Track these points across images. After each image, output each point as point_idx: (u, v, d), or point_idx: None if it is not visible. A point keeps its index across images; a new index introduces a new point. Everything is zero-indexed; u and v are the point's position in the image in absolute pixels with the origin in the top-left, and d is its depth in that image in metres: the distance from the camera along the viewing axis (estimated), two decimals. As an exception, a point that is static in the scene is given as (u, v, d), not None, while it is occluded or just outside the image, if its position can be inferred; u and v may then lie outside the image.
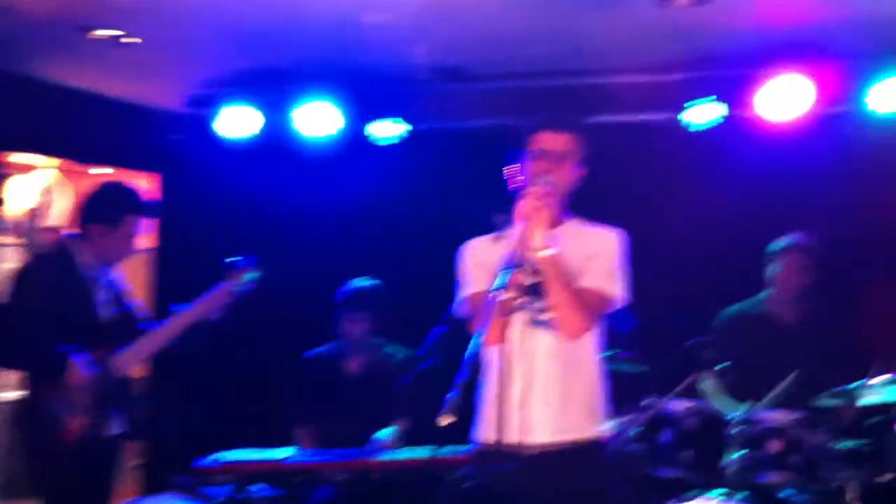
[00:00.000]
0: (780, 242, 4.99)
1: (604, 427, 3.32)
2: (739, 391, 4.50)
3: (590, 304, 3.21)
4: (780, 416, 4.16)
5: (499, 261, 3.17)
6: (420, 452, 4.48)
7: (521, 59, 5.94)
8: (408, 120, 6.18)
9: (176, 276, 6.18)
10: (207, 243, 5.68)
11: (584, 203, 3.42)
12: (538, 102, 6.22)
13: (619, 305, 3.31)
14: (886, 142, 5.47)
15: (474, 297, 3.34)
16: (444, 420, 2.69)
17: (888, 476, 4.05)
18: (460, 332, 3.99)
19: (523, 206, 3.09)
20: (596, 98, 5.94)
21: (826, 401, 4.39)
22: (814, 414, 4.21)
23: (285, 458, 4.51)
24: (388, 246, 6.15)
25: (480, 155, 6.22)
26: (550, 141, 3.32)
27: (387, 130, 6.16)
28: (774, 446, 4.09)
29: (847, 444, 4.16)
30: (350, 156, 6.21)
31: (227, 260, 4.36)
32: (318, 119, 6.06)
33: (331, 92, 6.07)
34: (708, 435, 4.15)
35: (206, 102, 6.19)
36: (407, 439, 4.80)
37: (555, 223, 3.24)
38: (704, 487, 4.12)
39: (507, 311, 2.94)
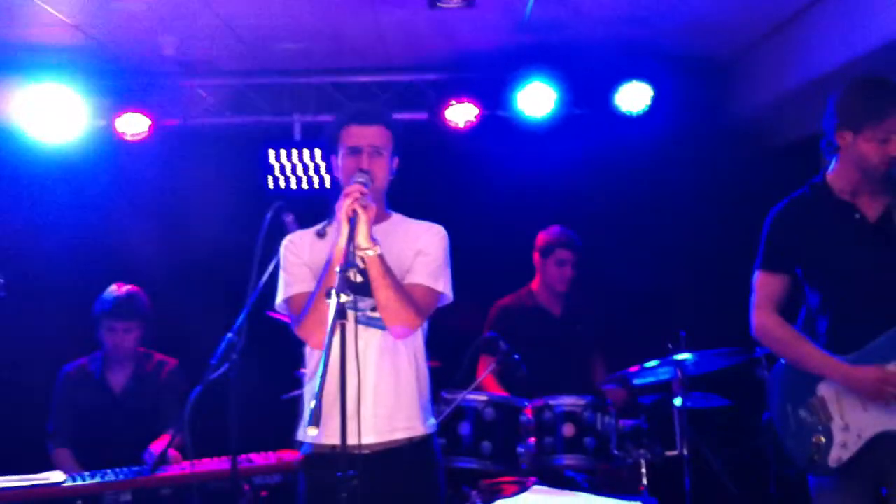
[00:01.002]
0: (553, 239, 5.17)
1: (432, 423, 3.28)
2: (525, 380, 4.63)
3: (418, 302, 3.14)
4: (571, 401, 4.29)
5: (321, 259, 3.10)
6: (214, 463, 4.21)
7: (273, 55, 5.79)
8: (154, 115, 5.81)
9: None
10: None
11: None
12: (294, 100, 6.13)
13: (446, 301, 3.27)
14: (632, 140, 5.87)
15: (299, 296, 3.19)
16: (312, 431, 2.54)
17: (673, 452, 4.32)
18: (249, 339, 3.87)
19: (344, 204, 2.96)
20: (358, 96, 5.92)
21: (605, 385, 4.62)
22: (598, 397, 4.40)
23: (60, 482, 4.05)
24: (143, 246, 5.74)
25: (234, 151, 6.06)
26: (362, 135, 3.21)
27: (133, 126, 5.75)
28: (568, 430, 4.24)
29: (630, 423, 4.39)
30: (97, 153, 5.73)
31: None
32: (57, 112, 5.56)
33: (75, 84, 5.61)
34: (504, 424, 4.22)
35: None
36: (194, 451, 4.48)
37: (379, 219, 3.17)
38: (503, 475, 4.20)
39: (339, 311, 2.80)
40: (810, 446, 3.30)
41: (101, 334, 4.75)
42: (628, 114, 5.84)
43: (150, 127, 5.80)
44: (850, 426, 3.25)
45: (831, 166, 3.41)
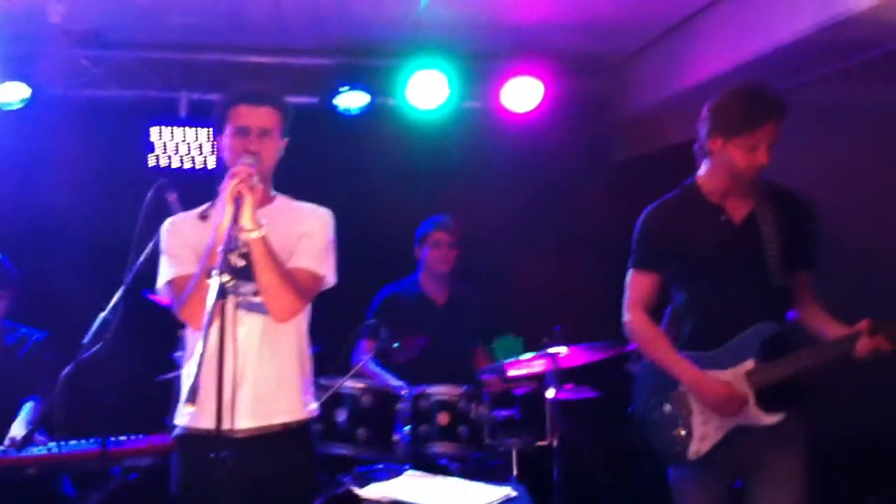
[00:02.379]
0: (426, 225, 5.23)
1: (311, 408, 3.29)
2: (404, 368, 4.68)
3: (300, 285, 3.13)
4: (447, 390, 4.36)
5: (204, 241, 3.05)
6: (85, 445, 4.13)
7: (166, 29, 5.68)
8: (35, 85, 5.63)
9: None
10: None
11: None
12: (184, 77, 6.02)
13: (329, 285, 3.28)
14: (518, 135, 5.97)
15: (180, 279, 3.15)
16: (186, 408, 2.53)
17: (543, 442, 4.43)
18: (124, 319, 3.82)
19: (230, 185, 2.93)
20: (247, 77, 5.85)
21: (482, 374, 4.71)
22: (474, 387, 4.48)
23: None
24: (21, 218, 5.57)
25: (116, 126, 5.92)
26: (251, 116, 3.17)
27: (13, 94, 5.56)
28: (443, 419, 4.31)
29: (504, 413, 4.49)
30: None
31: None
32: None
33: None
34: (381, 411, 4.26)
35: None
36: (60, 429, 4.39)
37: (264, 201, 3.16)
38: (377, 462, 4.24)
39: (220, 294, 2.79)
40: (672, 439, 3.44)
41: None
42: (517, 110, 5.93)
43: (29, 96, 5.62)
44: (709, 420, 3.39)
45: (702, 169, 3.54)
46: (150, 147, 5.87)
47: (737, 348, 3.39)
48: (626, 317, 3.57)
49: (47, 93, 5.74)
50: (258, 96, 3.25)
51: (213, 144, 5.77)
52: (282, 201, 3.33)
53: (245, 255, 3.05)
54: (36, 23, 5.37)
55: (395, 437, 4.23)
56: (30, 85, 5.62)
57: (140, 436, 4.23)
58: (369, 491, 3.17)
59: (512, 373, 4.76)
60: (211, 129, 5.72)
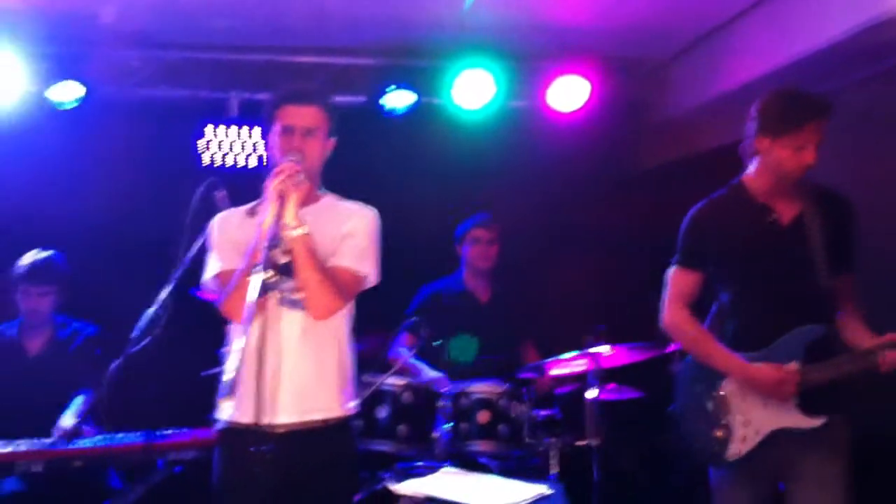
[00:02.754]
0: (467, 223, 5.26)
1: (352, 405, 3.33)
2: (447, 366, 4.72)
3: (341, 284, 3.18)
4: (487, 388, 4.40)
5: (250, 237, 3.10)
6: (131, 438, 4.22)
7: (213, 31, 5.76)
8: (88, 84, 5.75)
9: None
10: None
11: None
12: (233, 77, 6.10)
13: (370, 284, 3.32)
14: (562, 135, 5.97)
15: (225, 273, 3.21)
16: (225, 402, 2.58)
17: (583, 441, 4.44)
18: (174, 315, 3.89)
19: (274, 183, 3.00)
20: (294, 77, 5.92)
21: (524, 373, 4.72)
22: (515, 385, 4.51)
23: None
24: (74, 217, 5.68)
25: (167, 125, 6.02)
26: (297, 115, 3.24)
27: (67, 94, 5.68)
28: (483, 417, 4.33)
29: (544, 412, 4.51)
30: (31, 120, 5.66)
31: None
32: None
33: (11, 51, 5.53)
34: (422, 408, 4.31)
35: None
36: (113, 422, 4.49)
37: (309, 200, 3.22)
38: (418, 459, 4.28)
39: (262, 290, 2.85)
40: (712, 439, 3.43)
41: (17, 298, 4.74)
42: (562, 109, 5.93)
43: (83, 95, 5.74)
44: (749, 422, 3.38)
45: (750, 169, 3.53)
46: (205, 145, 5.95)
47: (781, 350, 3.37)
48: (667, 314, 3.58)
49: (100, 92, 5.86)
50: (304, 95, 3.31)
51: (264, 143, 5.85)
52: (329, 200, 3.38)
53: (288, 252, 3.10)
54: (88, 25, 5.50)
55: (435, 435, 4.28)
56: (84, 84, 5.74)
57: (185, 429, 4.30)
58: (405, 487, 3.21)
59: (554, 372, 4.78)
60: (260, 129, 5.81)
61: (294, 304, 3.18)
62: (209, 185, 3.93)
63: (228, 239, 3.27)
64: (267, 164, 3.27)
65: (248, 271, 2.94)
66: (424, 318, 4.77)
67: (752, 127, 3.42)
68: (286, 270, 3.12)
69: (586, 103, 5.92)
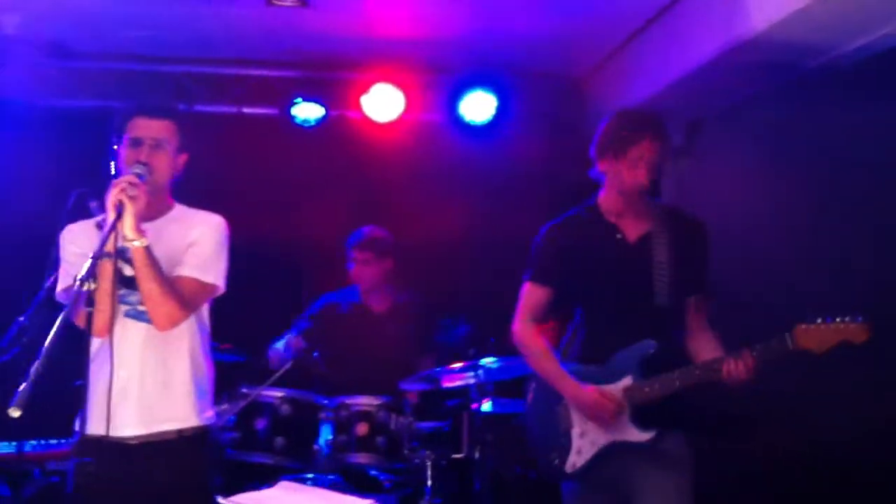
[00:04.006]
0: (353, 238, 5.22)
1: (208, 415, 3.33)
2: (326, 378, 4.74)
3: (185, 294, 3.18)
4: (366, 401, 4.40)
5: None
6: (5, 447, 4.20)
7: (124, 41, 5.77)
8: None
9: None
10: None
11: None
12: (141, 87, 6.10)
13: (219, 292, 3.33)
14: (477, 147, 6.00)
15: (69, 287, 3.22)
16: (14, 412, 2.57)
17: (461, 454, 4.45)
18: (44, 321, 3.86)
19: (112, 194, 2.99)
20: (202, 88, 5.94)
21: (407, 385, 4.71)
22: (396, 398, 4.51)
23: None
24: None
25: (78, 135, 5.99)
26: (146, 127, 3.24)
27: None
28: (361, 429, 4.33)
29: (429, 425, 4.52)
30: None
31: None
32: None
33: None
34: (301, 421, 4.31)
35: None
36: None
37: (157, 212, 3.24)
38: (297, 472, 4.27)
39: (91, 302, 2.84)
40: (552, 451, 3.48)
41: None
42: (472, 123, 5.96)
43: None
44: (586, 433, 3.42)
45: (602, 190, 3.58)
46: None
47: (618, 365, 3.41)
48: (515, 327, 3.62)
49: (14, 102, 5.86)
50: (154, 109, 3.31)
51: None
52: (178, 211, 3.38)
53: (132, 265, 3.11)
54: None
55: (316, 447, 4.27)
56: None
57: (62, 440, 4.28)
58: (234, 500, 3.19)
59: (447, 384, 4.76)
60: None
61: (140, 317, 3.19)
62: (80, 195, 3.94)
63: (77, 250, 3.26)
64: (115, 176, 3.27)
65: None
66: (316, 326, 4.76)
67: (595, 149, 3.49)
68: (132, 284, 3.13)
69: (497, 116, 5.93)
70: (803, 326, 3.14)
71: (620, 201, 3.47)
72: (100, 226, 3.26)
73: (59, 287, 3.30)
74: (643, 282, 3.40)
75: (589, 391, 3.36)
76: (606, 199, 3.53)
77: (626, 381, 3.37)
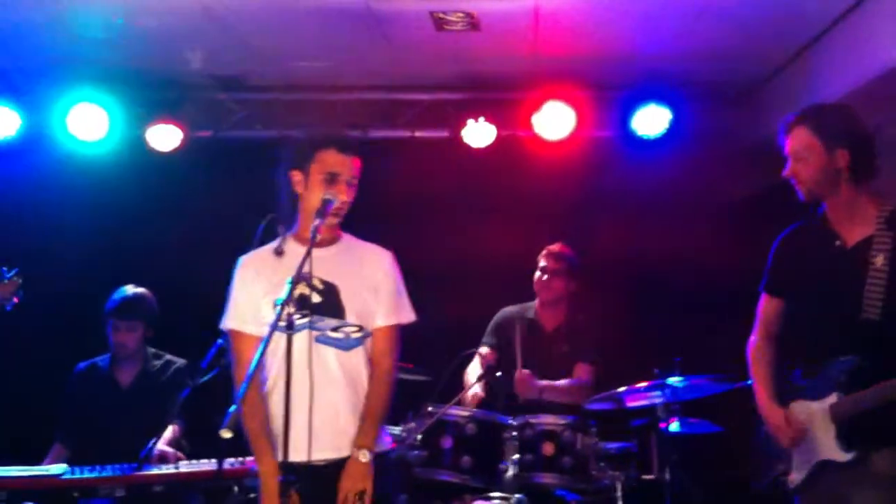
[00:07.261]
0: (550, 248, 5.19)
1: (387, 436, 3.39)
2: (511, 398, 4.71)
3: (392, 341, 3.37)
4: (552, 420, 4.35)
5: (278, 275, 3.17)
6: (203, 465, 4.35)
7: (297, 72, 5.95)
8: (184, 127, 6.03)
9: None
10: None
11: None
12: (317, 116, 6.27)
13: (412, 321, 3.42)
14: (649, 162, 5.90)
15: (235, 333, 3.36)
16: (225, 434, 2.64)
17: (651, 475, 4.34)
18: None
19: (316, 225, 3.11)
20: (375, 114, 6.06)
21: (595, 404, 4.63)
22: (581, 417, 4.44)
23: (59, 474, 4.25)
24: (162, 254, 5.94)
25: (257, 165, 6.21)
26: (342, 164, 3.30)
27: (163, 136, 5.98)
28: (548, 449, 4.29)
29: (617, 445, 4.42)
30: (125, 160, 5.97)
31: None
32: (87, 121, 5.84)
33: (103, 94, 5.86)
34: (486, 440, 4.29)
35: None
36: (186, 451, 4.65)
37: (326, 241, 3.33)
38: (483, 490, 4.25)
39: (291, 326, 2.93)
40: (779, 465, 3.41)
41: (108, 332, 4.95)
42: (646, 137, 5.86)
43: (181, 138, 6.02)
44: (802, 451, 3.32)
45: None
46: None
47: (824, 381, 3.27)
48: (750, 339, 3.56)
49: (198, 134, 6.13)
50: (351, 146, 3.36)
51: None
52: (347, 241, 3.46)
53: (321, 292, 3.23)
54: (183, 69, 5.77)
55: (502, 466, 4.24)
56: (181, 127, 6.01)
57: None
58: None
59: (631, 404, 4.66)
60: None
61: (329, 342, 3.26)
62: (271, 220, 4.05)
63: (256, 276, 3.36)
64: (287, 198, 3.36)
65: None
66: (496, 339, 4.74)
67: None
68: (320, 310, 3.24)
69: (670, 131, 5.81)
70: None
71: (841, 206, 3.30)
72: (278, 253, 3.28)
73: (223, 325, 3.40)
74: (853, 290, 3.20)
75: (774, 415, 3.36)
76: (833, 203, 3.33)
77: (832, 398, 3.22)
